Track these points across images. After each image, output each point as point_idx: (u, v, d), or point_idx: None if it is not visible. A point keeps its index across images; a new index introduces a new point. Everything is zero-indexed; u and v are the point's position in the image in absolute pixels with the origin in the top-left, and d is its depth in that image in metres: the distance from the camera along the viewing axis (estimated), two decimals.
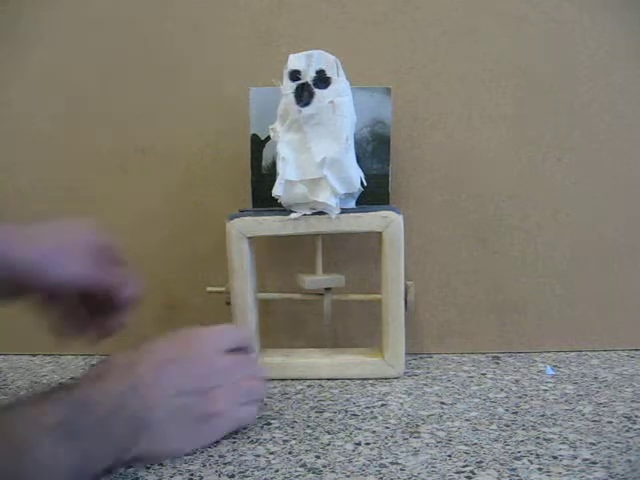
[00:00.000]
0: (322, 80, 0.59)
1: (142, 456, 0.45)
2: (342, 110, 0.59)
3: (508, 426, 0.49)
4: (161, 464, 0.45)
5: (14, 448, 0.38)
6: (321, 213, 0.60)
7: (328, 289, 0.63)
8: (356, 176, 0.60)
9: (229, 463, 0.45)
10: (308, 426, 0.51)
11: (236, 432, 0.50)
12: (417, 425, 0.50)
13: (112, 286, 0.54)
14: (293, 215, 0.60)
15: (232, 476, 0.43)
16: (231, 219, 0.61)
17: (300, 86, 0.59)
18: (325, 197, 0.59)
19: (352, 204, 0.62)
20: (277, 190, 0.59)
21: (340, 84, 0.59)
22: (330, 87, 0.59)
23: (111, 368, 0.46)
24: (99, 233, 0.54)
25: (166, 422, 0.45)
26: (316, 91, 0.59)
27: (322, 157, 0.58)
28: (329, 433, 0.49)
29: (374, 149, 0.64)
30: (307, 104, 0.59)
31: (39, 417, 0.39)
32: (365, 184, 0.62)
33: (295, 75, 0.59)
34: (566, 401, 0.55)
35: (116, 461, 0.43)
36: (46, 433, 0.39)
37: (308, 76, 0.59)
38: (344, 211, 0.60)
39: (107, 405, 0.43)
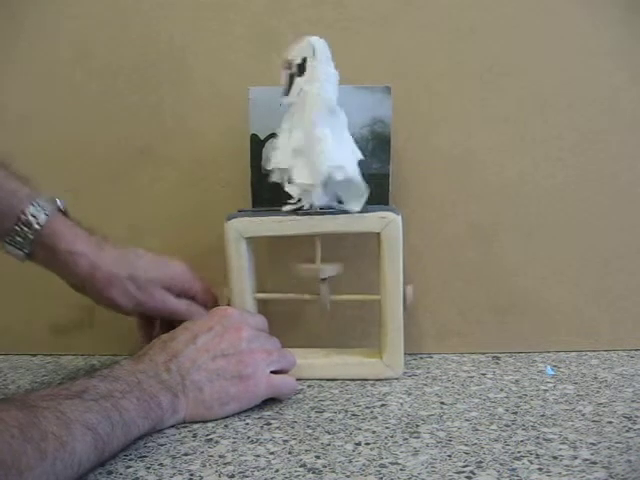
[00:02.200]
0: (301, 67, 0.58)
1: (185, 419, 0.52)
2: (309, 97, 0.58)
3: (508, 426, 0.49)
4: (161, 464, 0.45)
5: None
6: (320, 213, 0.60)
7: (324, 280, 0.62)
8: (323, 165, 0.57)
9: (229, 463, 0.45)
10: (308, 426, 0.51)
11: (237, 432, 0.50)
12: (417, 425, 0.50)
13: (183, 315, 0.60)
14: (285, 208, 0.60)
15: (232, 476, 0.43)
16: (229, 219, 0.61)
17: (289, 76, 0.59)
18: (289, 187, 0.59)
19: (356, 207, 0.60)
20: (272, 176, 0.60)
21: (313, 69, 0.58)
22: (305, 74, 0.58)
23: (155, 343, 0.54)
24: (182, 272, 0.61)
25: (203, 383, 0.52)
26: (296, 79, 0.58)
27: (292, 147, 0.58)
28: (329, 433, 0.49)
29: (374, 148, 0.64)
30: (287, 93, 0.59)
31: (86, 391, 0.45)
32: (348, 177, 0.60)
33: (288, 65, 0.59)
34: (566, 401, 0.55)
35: (158, 424, 0.49)
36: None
37: (294, 65, 0.58)
38: (343, 211, 0.60)
39: (149, 373, 0.50)
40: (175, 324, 0.60)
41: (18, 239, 0.55)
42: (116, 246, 0.59)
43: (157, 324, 0.65)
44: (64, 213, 0.58)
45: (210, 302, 0.63)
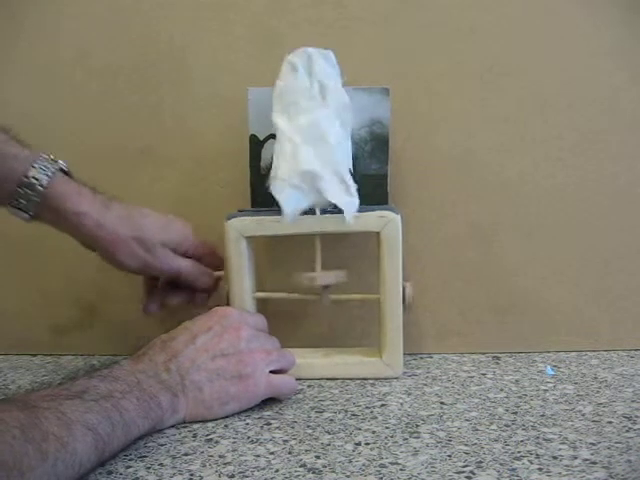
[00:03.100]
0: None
1: (185, 419, 0.52)
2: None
3: (508, 426, 0.49)
4: (161, 464, 0.45)
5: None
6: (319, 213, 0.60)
7: (326, 287, 0.62)
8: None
9: (229, 463, 0.45)
10: (308, 426, 0.51)
11: (237, 432, 0.50)
12: (417, 425, 0.50)
13: (186, 276, 0.61)
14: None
15: (232, 476, 0.43)
16: (229, 219, 0.61)
17: None
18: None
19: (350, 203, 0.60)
20: None
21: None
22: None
23: (155, 343, 0.54)
24: (187, 232, 0.63)
25: (203, 383, 0.52)
26: None
27: None
28: (329, 433, 0.49)
29: (373, 149, 0.64)
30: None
31: (87, 391, 0.45)
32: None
33: None
34: (566, 401, 0.55)
35: (158, 424, 0.49)
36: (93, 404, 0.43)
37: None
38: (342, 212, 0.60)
39: (149, 373, 0.50)
40: (179, 287, 0.62)
41: (22, 202, 0.55)
42: (122, 205, 0.60)
43: (160, 284, 0.65)
44: (67, 173, 0.58)
45: (216, 263, 0.64)
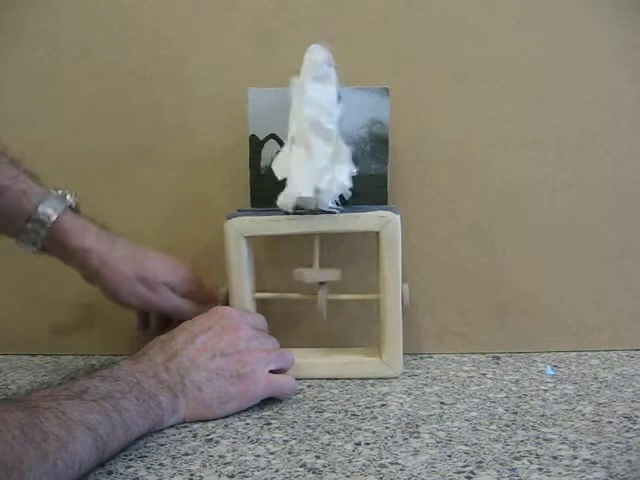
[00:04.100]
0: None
1: (185, 418, 0.52)
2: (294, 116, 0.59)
3: (508, 426, 0.49)
4: (161, 464, 0.45)
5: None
6: (316, 212, 0.60)
7: (323, 283, 0.62)
8: (293, 194, 0.58)
9: (229, 463, 0.45)
10: (308, 426, 0.51)
11: (237, 432, 0.50)
12: (417, 425, 0.50)
13: (185, 315, 0.61)
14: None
15: (232, 476, 0.43)
16: (229, 219, 0.61)
17: None
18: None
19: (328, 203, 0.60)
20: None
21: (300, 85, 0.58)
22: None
23: (155, 343, 0.54)
24: (187, 274, 0.64)
25: (203, 383, 0.52)
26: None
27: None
28: (329, 433, 0.49)
29: (372, 149, 0.64)
30: None
31: (87, 392, 0.45)
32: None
33: None
34: (566, 401, 0.55)
35: (158, 424, 0.49)
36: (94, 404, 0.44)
37: None
38: (342, 211, 0.60)
39: (148, 372, 0.50)
40: (172, 322, 0.61)
41: (30, 236, 0.57)
42: (127, 245, 0.61)
43: (152, 319, 0.66)
44: (75, 209, 0.60)
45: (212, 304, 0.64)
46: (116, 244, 0.60)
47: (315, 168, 0.57)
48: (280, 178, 0.58)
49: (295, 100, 0.58)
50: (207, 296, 0.65)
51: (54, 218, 0.57)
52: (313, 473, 0.43)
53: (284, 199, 0.58)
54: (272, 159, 0.61)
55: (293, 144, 0.58)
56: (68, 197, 0.59)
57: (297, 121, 0.58)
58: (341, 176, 0.59)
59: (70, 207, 0.59)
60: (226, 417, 0.53)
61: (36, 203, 0.56)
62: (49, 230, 0.57)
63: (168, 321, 0.64)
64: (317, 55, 0.58)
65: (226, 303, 0.62)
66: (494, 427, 0.49)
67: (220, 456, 0.46)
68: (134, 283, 0.60)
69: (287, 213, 0.60)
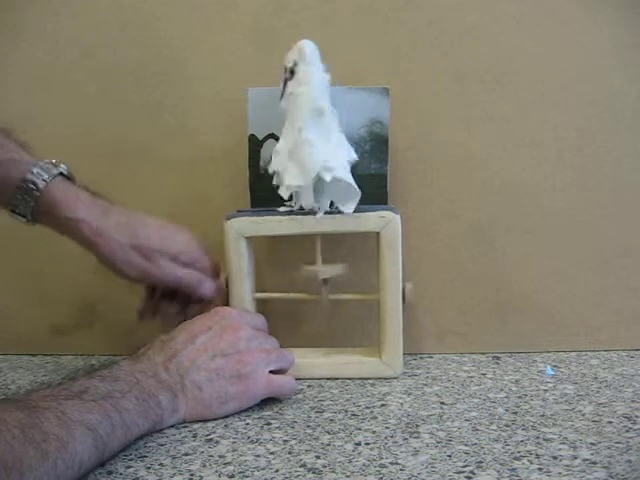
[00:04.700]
0: (292, 72, 0.58)
1: (185, 418, 0.52)
2: (298, 100, 0.57)
3: (508, 426, 0.49)
4: (161, 464, 0.45)
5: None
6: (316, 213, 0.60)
7: (326, 281, 0.62)
8: (310, 167, 0.57)
9: (229, 463, 0.45)
10: (308, 426, 0.51)
11: (237, 432, 0.50)
12: (417, 425, 0.50)
13: (186, 286, 0.60)
14: (281, 209, 0.60)
15: (232, 476, 0.43)
16: (229, 219, 0.61)
17: (284, 80, 0.59)
18: (281, 191, 0.58)
19: (349, 208, 0.60)
20: (274, 179, 0.60)
21: (301, 73, 0.58)
22: (294, 77, 0.58)
23: (154, 343, 0.54)
24: (188, 237, 0.62)
25: (203, 383, 0.52)
26: (288, 84, 0.58)
27: (287, 150, 0.58)
28: (329, 433, 0.49)
29: (372, 149, 0.64)
30: (281, 98, 0.59)
31: (86, 392, 0.45)
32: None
33: (285, 70, 0.59)
34: (566, 401, 0.55)
35: (158, 424, 0.49)
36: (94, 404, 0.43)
37: (288, 70, 0.58)
38: (342, 212, 0.60)
39: (148, 372, 0.50)
40: (179, 294, 0.61)
41: (20, 206, 0.55)
42: (123, 212, 0.59)
43: (158, 292, 0.64)
44: (68, 177, 0.58)
45: (215, 275, 0.63)
46: (110, 212, 0.58)
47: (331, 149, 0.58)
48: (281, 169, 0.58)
49: (302, 89, 0.58)
50: (212, 265, 0.63)
51: (42, 186, 0.55)
52: (313, 473, 0.43)
53: (302, 180, 0.57)
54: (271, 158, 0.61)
55: (302, 131, 0.57)
56: (60, 165, 0.57)
57: (304, 108, 0.58)
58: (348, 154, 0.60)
59: (62, 175, 0.57)
60: (226, 417, 0.53)
61: (24, 171, 0.54)
62: (38, 200, 0.55)
63: (173, 296, 0.63)
64: (310, 46, 0.58)
65: (227, 302, 0.62)
66: (494, 427, 0.49)
67: (220, 456, 0.46)
68: (129, 251, 0.57)
69: (289, 212, 0.60)
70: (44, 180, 0.55)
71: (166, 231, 0.60)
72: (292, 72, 0.58)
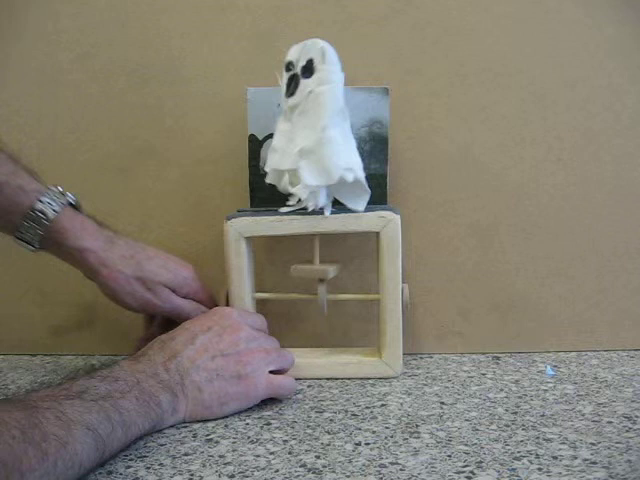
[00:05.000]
0: (308, 69, 0.58)
1: (185, 419, 0.52)
2: (321, 99, 0.57)
3: (508, 426, 0.49)
4: (161, 464, 0.45)
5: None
6: (319, 213, 0.60)
7: (322, 280, 0.62)
8: (335, 167, 0.57)
9: (229, 463, 0.45)
10: (308, 426, 0.51)
11: (237, 432, 0.50)
12: (417, 425, 0.50)
13: (186, 316, 0.61)
14: (283, 209, 0.60)
15: (232, 476, 0.43)
16: (229, 219, 0.61)
17: (291, 77, 0.59)
18: (297, 188, 0.58)
19: (360, 206, 0.60)
20: (267, 178, 0.60)
21: (323, 72, 0.58)
22: (313, 76, 0.58)
23: (154, 343, 0.54)
24: (190, 277, 0.63)
25: (203, 383, 0.52)
26: (301, 81, 0.58)
27: (299, 147, 0.58)
28: (329, 433, 0.49)
29: (372, 149, 0.64)
30: (292, 94, 0.58)
31: (86, 392, 0.45)
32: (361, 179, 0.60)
33: (289, 66, 0.59)
34: (566, 401, 0.55)
35: (158, 424, 0.49)
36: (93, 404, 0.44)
37: (298, 66, 0.58)
38: (342, 211, 0.60)
39: (148, 372, 0.50)
40: (174, 323, 0.61)
41: (27, 234, 0.56)
42: (127, 243, 0.60)
43: (156, 321, 0.65)
44: (75, 207, 0.59)
45: (212, 306, 0.64)
46: (115, 243, 0.59)
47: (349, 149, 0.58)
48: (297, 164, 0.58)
49: (324, 89, 0.58)
50: (209, 297, 0.64)
51: (52, 216, 0.56)
52: (313, 473, 0.43)
53: (324, 179, 0.57)
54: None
55: (327, 130, 0.57)
56: (68, 194, 0.58)
57: (328, 107, 0.57)
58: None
59: (70, 204, 0.58)
60: (226, 417, 0.53)
61: (33, 200, 0.55)
62: (46, 228, 0.56)
63: (170, 325, 0.63)
64: (329, 45, 0.58)
65: (227, 302, 0.62)
66: (494, 427, 0.49)
67: (220, 456, 0.46)
68: (133, 283, 0.59)
69: (289, 212, 0.60)
70: (54, 210, 0.56)
71: (168, 264, 0.62)
72: (306, 69, 0.58)
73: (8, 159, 0.56)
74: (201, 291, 0.64)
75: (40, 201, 0.55)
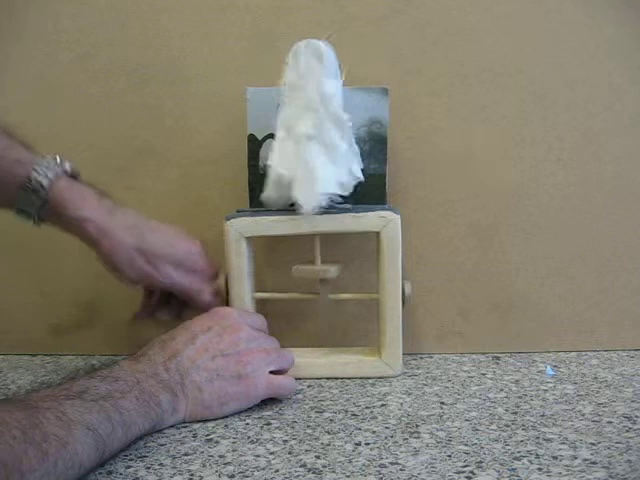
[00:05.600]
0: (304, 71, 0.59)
1: (185, 419, 0.52)
2: (310, 106, 0.58)
3: (508, 426, 0.49)
4: (161, 464, 0.45)
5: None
6: (319, 213, 0.60)
7: (324, 281, 0.62)
8: (324, 191, 0.58)
9: (229, 463, 0.45)
10: (308, 426, 0.51)
11: (237, 432, 0.50)
12: (417, 425, 0.50)
13: (186, 292, 0.61)
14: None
15: (232, 476, 0.43)
16: (229, 219, 0.61)
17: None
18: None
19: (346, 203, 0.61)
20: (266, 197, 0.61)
21: (317, 78, 0.58)
22: (309, 80, 0.58)
23: (155, 343, 0.54)
24: (193, 245, 0.62)
25: (203, 383, 0.52)
26: (298, 83, 0.59)
27: (292, 154, 0.58)
28: (329, 433, 0.49)
29: (371, 149, 0.64)
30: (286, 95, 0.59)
31: (86, 392, 0.44)
32: (360, 181, 0.61)
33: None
34: (566, 401, 0.55)
35: (158, 424, 0.49)
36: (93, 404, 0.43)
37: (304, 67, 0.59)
38: (342, 211, 0.60)
39: (148, 372, 0.50)
40: (174, 298, 0.61)
41: (26, 206, 0.55)
42: (131, 214, 0.59)
43: (154, 296, 0.64)
44: (73, 175, 0.58)
45: (214, 277, 0.63)
46: (116, 212, 0.58)
47: (337, 163, 0.58)
48: (288, 175, 0.58)
49: (310, 94, 0.58)
50: (214, 273, 0.63)
51: (47, 185, 0.55)
52: (313, 473, 0.43)
53: (306, 197, 0.57)
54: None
55: (310, 141, 0.57)
56: (65, 163, 0.57)
57: (313, 117, 0.58)
58: (355, 168, 0.60)
59: (66, 173, 0.57)
60: (226, 417, 0.53)
61: (29, 170, 0.54)
62: (44, 199, 0.55)
63: (169, 300, 0.63)
64: (328, 51, 0.58)
65: (226, 302, 0.62)
66: (494, 427, 0.49)
67: (220, 456, 0.46)
68: (133, 254, 0.58)
69: (290, 211, 0.60)
70: (49, 178, 0.55)
71: (172, 237, 0.61)
72: (305, 72, 0.58)
73: (3, 133, 0.55)
74: (205, 266, 0.62)
75: (35, 171, 0.54)
